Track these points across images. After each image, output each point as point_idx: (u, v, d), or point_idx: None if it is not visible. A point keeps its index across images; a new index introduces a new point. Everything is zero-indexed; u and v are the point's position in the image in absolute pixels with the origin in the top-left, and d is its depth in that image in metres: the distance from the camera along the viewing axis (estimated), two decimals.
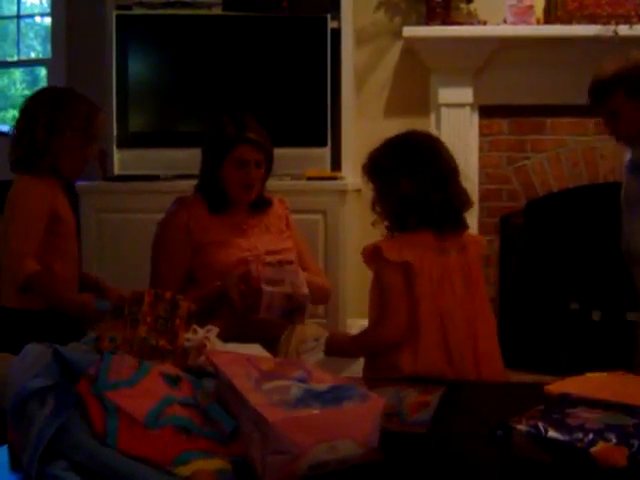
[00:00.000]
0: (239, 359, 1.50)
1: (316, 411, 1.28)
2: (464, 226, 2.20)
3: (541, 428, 1.33)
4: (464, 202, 2.17)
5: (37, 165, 2.60)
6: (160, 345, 1.55)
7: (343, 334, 2.32)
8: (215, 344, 1.67)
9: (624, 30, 3.64)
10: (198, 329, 1.66)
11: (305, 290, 2.35)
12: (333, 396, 1.34)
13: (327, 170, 3.86)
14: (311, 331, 2.65)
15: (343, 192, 3.77)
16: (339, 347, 2.22)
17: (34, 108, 2.65)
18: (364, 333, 2.21)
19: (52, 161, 2.61)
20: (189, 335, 1.63)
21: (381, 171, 2.18)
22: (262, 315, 2.32)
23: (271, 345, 2.48)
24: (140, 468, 1.26)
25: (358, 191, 3.99)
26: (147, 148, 3.88)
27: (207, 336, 1.63)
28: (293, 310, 2.35)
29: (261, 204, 2.70)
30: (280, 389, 1.35)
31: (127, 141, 3.89)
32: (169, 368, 1.46)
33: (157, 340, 1.56)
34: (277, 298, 2.32)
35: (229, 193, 2.60)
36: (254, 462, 1.27)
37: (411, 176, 2.11)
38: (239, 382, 1.36)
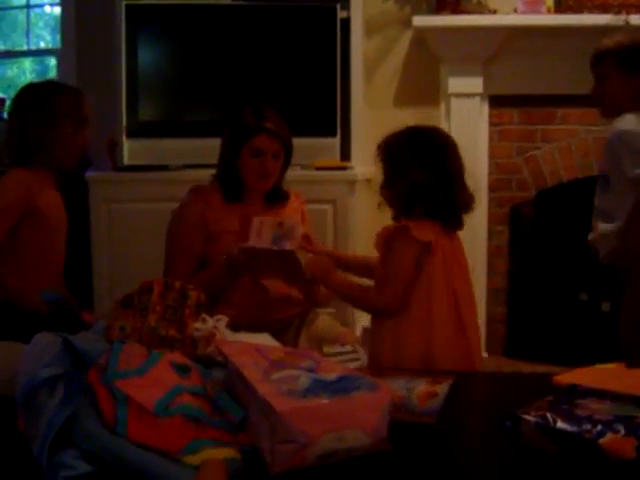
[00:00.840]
0: (248, 349, 1.50)
1: (324, 401, 1.29)
2: (460, 226, 2.25)
3: (549, 419, 1.33)
4: (466, 204, 2.22)
5: (32, 159, 2.65)
6: (169, 334, 1.56)
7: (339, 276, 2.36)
8: (224, 334, 1.68)
9: (636, 19, 3.62)
10: (207, 318, 1.66)
11: (297, 224, 2.42)
12: (341, 386, 1.34)
13: (336, 160, 3.85)
14: (323, 324, 2.66)
15: (352, 182, 3.77)
16: (334, 280, 2.30)
17: (21, 107, 2.69)
18: (366, 291, 2.25)
19: (48, 153, 2.64)
20: (198, 324, 1.63)
21: (396, 156, 2.21)
22: (252, 242, 2.35)
23: (283, 330, 2.50)
24: (150, 457, 1.27)
25: (368, 181, 3.99)
26: (157, 138, 3.87)
27: (216, 325, 1.64)
28: (284, 235, 2.37)
29: (278, 197, 2.70)
30: (289, 379, 1.36)
31: (137, 131, 3.90)
32: (178, 357, 1.47)
33: (166, 329, 1.56)
34: (267, 223, 2.37)
35: (245, 182, 2.61)
36: (263, 451, 1.28)
37: (424, 168, 2.15)
38: (248, 372, 1.37)
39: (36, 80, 3.91)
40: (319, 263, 2.34)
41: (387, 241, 2.18)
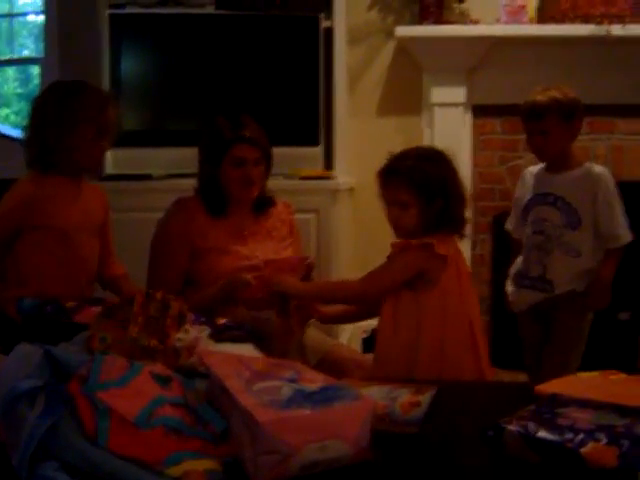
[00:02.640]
0: (230, 359, 1.50)
1: (307, 411, 1.28)
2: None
3: (531, 428, 1.34)
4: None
5: (49, 163, 2.55)
6: (151, 345, 1.55)
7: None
8: (207, 344, 1.68)
9: (617, 30, 3.65)
10: (190, 329, 1.66)
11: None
12: (324, 396, 1.34)
13: (320, 169, 3.86)
14: (312, 337, 2.64)
15: (335, 191, 3.77)
16: (300, 285, 2.33)
17: (42, 105, 2.60)
18: (339, 281, 2.29)
19: (67, 157, 2.54)
20: (181, 335, 1.63)
21: (425, 180, 2.20)
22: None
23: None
24: (131, 468, 1.26)
25: (350, 190, 4.00)
26: (140, 147, 3.86)
27: (198, 336, 1.63)
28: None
29: (263, 205, 2.69)
30: (271, 389, 1.35)
31: (120, 140, 3.85)
32: (160, 368, 1.46)
33: (148, 340, 1.56)
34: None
35: (229, 193, 2.60)
36: (245, 462, 1.27)
37: (451, 188, 2.22)
38: (230, 382, 1.36)
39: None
40: (283, 279, 2.32)
41: (402, 252, 2.19)
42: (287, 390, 1.35)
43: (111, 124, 2.59)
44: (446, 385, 1.86)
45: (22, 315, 2.19)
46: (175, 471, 1.25)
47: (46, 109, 2.56)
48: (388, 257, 2.24)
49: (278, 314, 2.34)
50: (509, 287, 2.97)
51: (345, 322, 2.81)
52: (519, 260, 2.94)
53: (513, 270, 2.96)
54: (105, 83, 3.84)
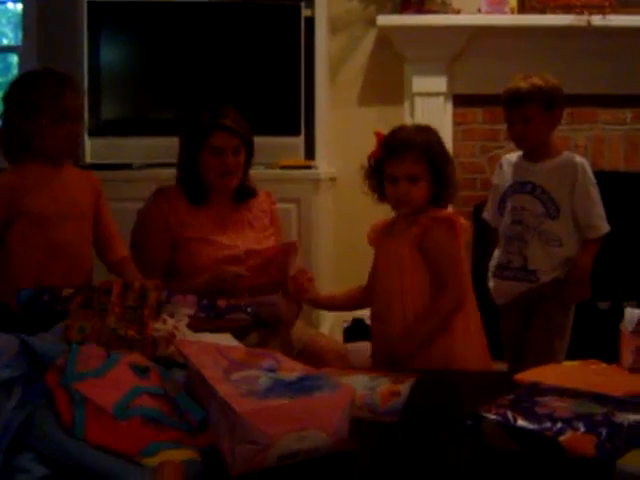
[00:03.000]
0: (208, 348, 1.49)
1: (285, 401, 1.28)
2: None
3: (510, 417, 1.34)
4: None
5: (21, 151, 2.55)
6: (128, 335, 1.54)
7: (405, 337, 2.19)
8: (185, 333, 1.67)
9: (597, 20, 3.66)
10: (168, 319, 1.65)
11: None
12: (302, 386, 1.33)
13: (301, 159, 3.85)
14: (297, 328, 2.64)
15: (317, 181, 3.76)
16: (414, 342, 2.17)
17: (8, 96, 2.61)
18: (431, 313, 2.18)
19: (29, 146, 2.54)
20: (158, 325, 1.62)
21: (436, 153, 2.23)
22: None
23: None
24: (108, 459, 1.25)
25: (332, 180, 3.99)
26: (120, 136, 3.83)
27: (177, 325, 1.62)
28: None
29: (244, 194, 2.68)
30: (249, 379, 1.35)
31: (99, 129, 3.85)
32: (138, 358, 1.45)
33: (125, 330, 1.55)
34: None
35: (208, 182, 2.59)
36: (223, 452, 1.27)
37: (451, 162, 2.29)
38: (208, 372, 1.35)
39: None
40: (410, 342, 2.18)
41: (428, 233, 2.18)
42: (265, 380, 1.35)
43: (71, 109, 2.55)
44: (426, 374, 1.87)
45: (20, 306, 2.17)
46: (153, 461, 1.24)
47: (9, 99, 2.58)
48: (412, 245, 2.19)
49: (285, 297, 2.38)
50: (490, 280, 2.97)
51: (338, 310, 2.77)
52: (497, 252, 2.94)
53: (493, 262, 2.95)
54: (83, 72, 3.81)
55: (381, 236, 2.33)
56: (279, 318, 2.36)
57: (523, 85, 2.74)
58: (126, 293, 1.57)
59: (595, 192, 2.80)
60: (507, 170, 2.92)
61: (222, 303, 2.15)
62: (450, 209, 2.31)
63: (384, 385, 1.71)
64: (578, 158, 2.83)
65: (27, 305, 2.11)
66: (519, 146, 2.87)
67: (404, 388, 1.70)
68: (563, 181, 2.77)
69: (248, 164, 2.66)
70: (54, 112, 2.52)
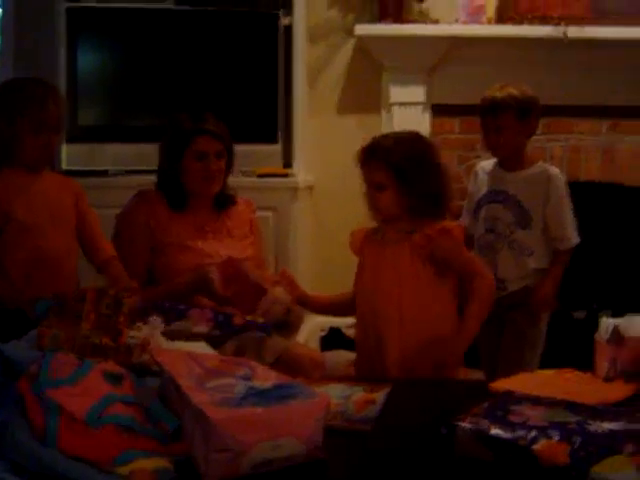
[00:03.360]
0: (183, 357, 1.48)
1: (259, 409, 1.27)
2: None
3: (484, 426, 1.34)
4: None
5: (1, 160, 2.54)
6: (103, 343, 1.53)
7: (459, 337, 2.17)
8: (159, 341, 1.66)
9: (574, 32, 3.68)
10: (142, 326, 1.64)
11: (301, 311, 2.38)
12: (277, 394, 1.33)
13: (279, 167, 3.84)
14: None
15: (294, 189, 3.76)
16: (469, 336, 2.17)
17: None
18: (475, 304, 2.17)
19: (16, 153, 2.52)
20: (133, 332, 1.61)
21: (408, 163, 2.20)
22: (260, 313, 2.27)
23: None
24: (80, 468, 1.24)
25: (309, 188, 3.99)
26: (96, 143, 3.81)
27: (151, 333, 1.61)
28: (287, 324, 2.34)
29: (224, 202, 2.67)
30: (224, 387, 1.34)
31: (76, 135, 3.83)
32: (111, 366, 1.44)
33: (100, 338, 1.53)
34: (278, 304, 2.31)
35: (190, 188, 2.57)
36: (197, 460, 1.26)
37: (435, 173, 2.24)
38: (182, 380, 1.35)
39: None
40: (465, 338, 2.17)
41: (435, 243, 2.17)
42: (240, 388, 1.34)
43: (52, 118, 2.53)
44: (401, 382, 1.87)
45: (37, 316, 2.13)
46: (126, 470, 1.24)
47: None
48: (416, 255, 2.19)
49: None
50: None
51: (323, 312, 2.72)
52: None
53: None
54: (61, 78, 3.79)
55: (367, 244, 2.30)
56: (297, 323, 2.36)
57: (499, 94, 2.77)
58: (100, 300, 1.56)
59: (568, 204, 2.82)
60: (482, 178, 2.94)
61: (239, 320, 2.11)
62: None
63: (359, 394, 1.71)
64: (552, 169, 2.86)
65: (44, 315, 2.07)
66: (494, 154, 2.89)
67: (379, 397, 1.70)
68: (536, 192, 2.79)
69: (228, 171, 2.65)
70: (36, 121, 2.51)
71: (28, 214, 2.52)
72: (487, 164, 2.95)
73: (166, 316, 1.94)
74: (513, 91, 2.77)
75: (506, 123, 2.75)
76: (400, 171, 2.17)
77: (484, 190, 2.90)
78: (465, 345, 2.16)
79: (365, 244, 2.30)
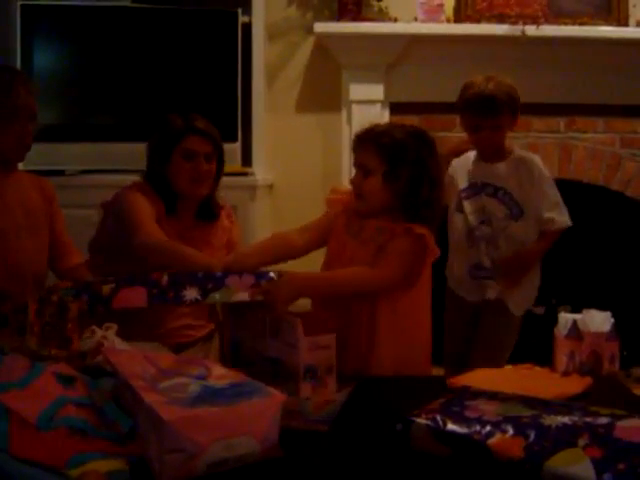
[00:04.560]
0: (137, 357, 1.47)
1: (213, 409, 1.26)
2: None
3: (440, 421, 1.34)
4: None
5: None
6: (52, 354, 1.49)
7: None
8: (114, 342, 1.63)
9: (531, 30, 3.71)
10: (96, 329, 1.61)
11: None
12: (232, 393, 1.32)
13: (238, 165, 3.82)
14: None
15: (254, 187, 3.75)
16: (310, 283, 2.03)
17: None
18: (353, 270, 2.06)
19: None
20: (87, 336, 1.58)
21: (402, 155, 2.10)
22: None
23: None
24: (33, 472, 1.22)
25: (269, 187, 3.98)
26: (53, 142, 3.76)
27: (105, 335, 1.59)
28: None
29: (209, 214, 2.60)
30: (178, 387, 1.33)
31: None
32: (63, 368, 1.42)
33: (48, 350, 1.50)
34: None
35: (178, 190, 2.49)
36: (151, 461, 1.25)
37: (425, 172, 2.11)
38: (136, 381, 1.33)
39: None
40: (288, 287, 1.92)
41: (393, 239, 2.06)
42: (194, 387, 1.33)
43: (24, 106, 2.41)
44: (365, 381, 1.86)
45: None
46: (77, 472, 1.22)
47: None
48: (367, 239, 2.11)
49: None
50: (459, 280, 2.90)
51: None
52: (457, 255, 2.88)
53: (467, 263, 2.85)
54: None
55: (342, 230, 2.20)
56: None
57: (496, 92, 2.65)
58: (43, 309, 1.50)
59: (553, 185, 2.78)
60: (461, 173, 2.85)
61: None
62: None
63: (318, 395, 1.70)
64: (529, 154, 2.83)
65: None
66: (483, 152, 2.80)
67: (340, 396, 1.70)
68: (521, 180, 2.74)
69: (218, 177, 2.59)
70: (7, 108, 2.37)
71: (2, 219, 2.41)
72: (461, 160, 2.88)
73: (201, 287, 1.80)
74: (508, 88, 2.67)
75: (504, 122, 2.69)
76: (389, 156, 2.08)
77: (464, 184, 2.83)
78: (298, 284, 1.93)
79: (340, 228, 2.21)
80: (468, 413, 1.36)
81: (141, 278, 1.80)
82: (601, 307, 2.11)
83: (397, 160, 2.08)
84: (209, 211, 2.60)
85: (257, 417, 1.29)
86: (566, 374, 1.99)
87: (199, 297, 1.77)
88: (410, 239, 2.04)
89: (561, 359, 2.04)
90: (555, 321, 2.13)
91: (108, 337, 1.59)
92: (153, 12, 3.88)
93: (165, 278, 1.78)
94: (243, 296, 1.81)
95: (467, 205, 2.83)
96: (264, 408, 1.31)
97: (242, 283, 1.83)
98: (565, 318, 2.08)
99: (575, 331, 2.05)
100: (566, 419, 1.32)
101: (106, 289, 1.73)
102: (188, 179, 2.48)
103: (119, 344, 1.63)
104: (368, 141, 2.13)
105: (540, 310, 4.10)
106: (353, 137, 2.20)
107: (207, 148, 2.50)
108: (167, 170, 2.49)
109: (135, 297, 1.75)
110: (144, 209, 2.39)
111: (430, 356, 2.24)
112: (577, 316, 2.08)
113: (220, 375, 1.40)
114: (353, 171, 2.23)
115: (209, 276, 1.83)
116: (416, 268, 2.07)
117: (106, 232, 2.52)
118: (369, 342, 2.09)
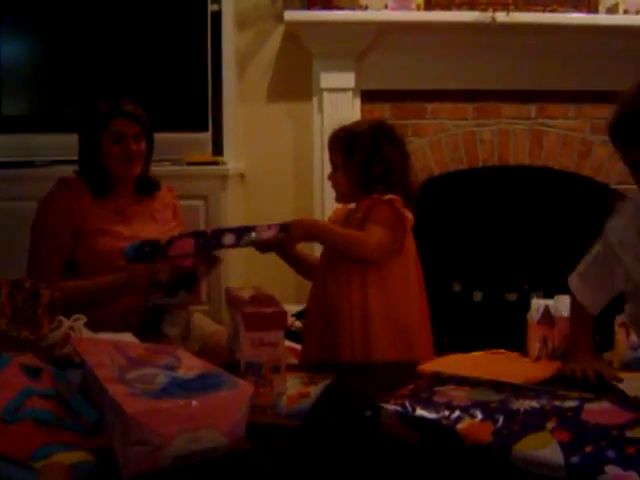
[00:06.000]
0: (106, 347, 1.45)
1: (179, 401, 1.25)
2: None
3: (408, 407, 1.34)
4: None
5: None
6: (22, 336, 1.48)
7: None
8: (83, 333, 1.62)
9: (501, 17, 3.72)
10: (64, 319, 1.59)
11: None
12: (200, 384, 1.31)
13: (208, 155, 3.80)
14: (198, 321, 2.61)
15: (225, 177, 3.72)
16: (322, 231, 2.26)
17: None
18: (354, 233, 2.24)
19: None
20: (54, 326, 1.56)
21: (357, 145, 2.30)
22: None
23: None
24: None
25: (240, 176, 3.96)
26: (21, 133, 3.72)
27: (72, 326, 1.57)
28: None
29: (147, 187, 2.64)
30: (145, 378, 1.32)
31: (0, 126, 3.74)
32: (29, 359, 1.40)
33: (19, 331, 1.49)
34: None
35: (111, 172, 2.54)
36: (116, 453, 1.23)
37: (386, 153, 2.30)
38: (102, 371, 1.32)
39: None
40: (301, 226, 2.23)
41: (370, 210, 2.23)
42: (162, 378, 1.32)
43: None
44: (344, 370, 1.85)
45: (128, 260, 2.22)
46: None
47: None
48: (351, 221, 2.28)
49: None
50: None
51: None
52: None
53: None
54: None
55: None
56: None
57: None
58: (15, 293, 1.51)
59: None
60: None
61: None
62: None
63: (294, 388, 1.69)
64: None
65: (134, 258, 2.20)
66: None
67: (315, 390, 1.68)
68: None
69: (149, 156, 2.62)
70: None
71: None
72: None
73: (237, 234, 2.15)
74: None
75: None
76: (344, 148, 2.30)
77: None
78: (309, 225, 2.26)
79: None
80: (437, 398, 1.37)
81: (190, 232, 2.21)
82: None
83: (350, 148, 2.30)
84: (147, 185, 2.65)
85: (225, 409, 1.28)
86: (538, 359, 2.00)
87: (234, 242, 2.13)
88: (382, 207, 2.21)
89: (534, 345, 2.05)
90: (527, 307, 2.14)
91: (75, 328, 1.57)
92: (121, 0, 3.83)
93: (209, 230, 2.21)
94: (269, 234, 2.17)
95: None
96: (233, 400, 1.30)
97: (270, 230, 2.19)
98: (537, 304, 2.10)
99: (547, 317, 2.07)
100: (534, 403, 1.33)
101: (163, 241, 2.17)
102: (119, 161, 2.53)
103: (87, 334, 1.61)
104: (333, 139, 2.36)
105: (513, 297, 4.13)
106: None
107: (135, 129, 2.54)
108: (98, 154, 2.53)
109: (185, 245, 2.15)
110: (48, 237, 2.48)
111: (429, 339, 2.36)
112: (549, 302, 2.09)
113: (191, 366, 1.39)
114: (325, 159, 2.49)
115: (244, 227, 2.19)
116: (398, 232, 2.24)
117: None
118: (363, 328, 2.21)
